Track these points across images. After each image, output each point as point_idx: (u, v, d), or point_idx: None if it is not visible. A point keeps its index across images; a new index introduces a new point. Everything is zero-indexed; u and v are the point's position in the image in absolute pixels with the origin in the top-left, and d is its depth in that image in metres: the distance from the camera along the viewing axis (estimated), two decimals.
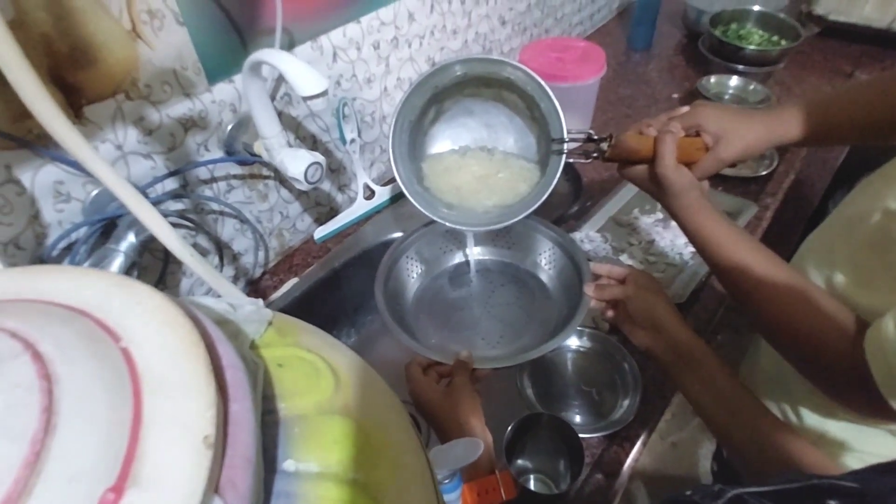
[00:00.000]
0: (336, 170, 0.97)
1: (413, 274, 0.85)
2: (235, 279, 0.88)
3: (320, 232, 0.95)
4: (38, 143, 0.56)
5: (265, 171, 0.84)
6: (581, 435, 0.63)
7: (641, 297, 0.63)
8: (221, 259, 0.82)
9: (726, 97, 1.25)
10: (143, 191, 0.66)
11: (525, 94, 0.67)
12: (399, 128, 0.68)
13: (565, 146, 0.65)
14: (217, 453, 0.17)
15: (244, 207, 0.83)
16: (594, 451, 0.68)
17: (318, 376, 0.25)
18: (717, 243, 0.58)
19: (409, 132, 0.70)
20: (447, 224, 0.71)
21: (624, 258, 0.92)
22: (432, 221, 0.72)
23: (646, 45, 1.48)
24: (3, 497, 0.14)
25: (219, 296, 0.40)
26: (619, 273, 0.68)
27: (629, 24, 1.49)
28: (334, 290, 0.92)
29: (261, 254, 0.89)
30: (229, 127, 0.75)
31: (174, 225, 0.72)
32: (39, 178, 0.58)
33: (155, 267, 0.74)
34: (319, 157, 0.72)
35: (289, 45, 0.78)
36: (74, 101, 0.58)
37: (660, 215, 0.98)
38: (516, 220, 0.69)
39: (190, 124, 0.70)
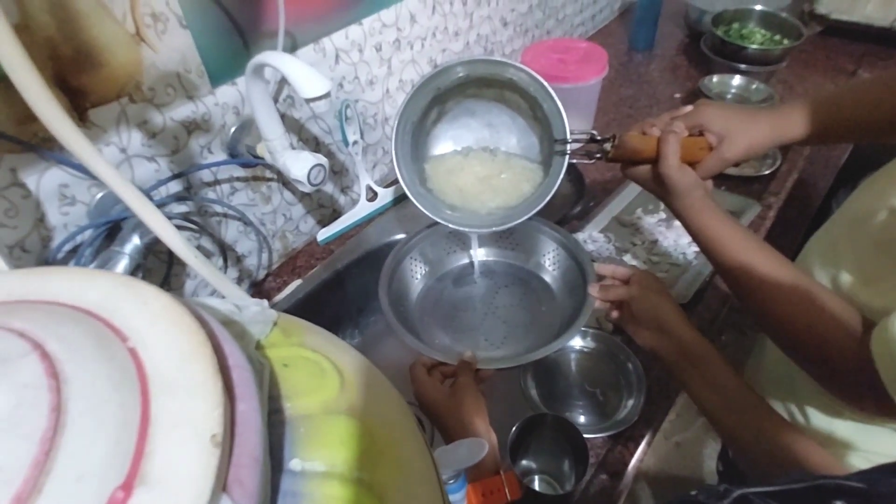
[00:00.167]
0: (339, 172, 0.97)
1: (417, 275, 0.85)
2: (239, 281, 0.88)
3: (323, 234, 0.95)
4: (43, 147, 0.57)
5: (268, 174, 0.84)
6: (585, 435, 0.63)
7: (646, 297, 0.63)
8: (225, 261, 0.83)
9: (729, 97, 1.25)
10: (147, 193, 0.66)
11: (527, 94, 0.67)
12: (401, 129, 0.68)
13: (568, 147, 0.65)
14: (224, 452, 0.17)
15: (247, 210, 0.83)
16: (598, 451, 0.68)
17: (323, 376, 0.25)
18: (721, 243, 0.58)
19: (411, 133, 0.70)
20: (451, 226, 0.71)
21: (627, 258, 0.91)
22: (436, 222, 0.72)
23: (648, 46, 1.48)
24: (13, 495, 0.14)
25: (223, 297, 0.41)
26: (624, 274, 0.68)
27: (631, 24, 1.49)
28: (338, 291, 0.92)
29: (264, 256, 0.89)
30: (232, 129, 0.75)
31: (178, 227, 0.72)
32: (44, 181, 0.58)
33: (159, 269, 0.74)
34: (322, 159, 0.72)
35: (291, 48, 0.78)
36: (79, 104, 0.58)
37: (663, 215, 0.98)
38: (520, 221, 0.69)
39: (193, 127, 0.70)
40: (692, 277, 0.86)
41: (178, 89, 0.67)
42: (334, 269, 0.91)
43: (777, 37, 1.34)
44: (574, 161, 0.66)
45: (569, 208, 0.97)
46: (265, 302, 0.28)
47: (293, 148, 0.74)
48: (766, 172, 1.03)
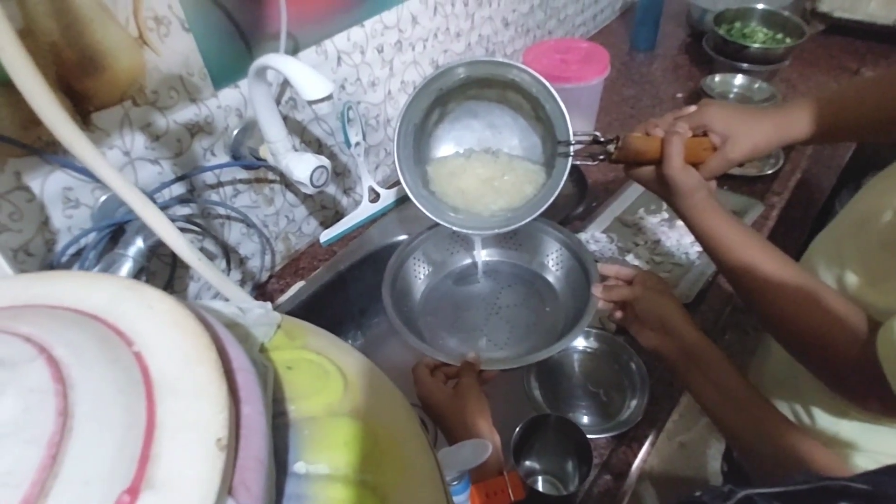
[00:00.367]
0: (341, 173, 0.97)
1: (420, 275, 0.85)
2: (242, 283, 0.88)
3: (326, 235, 0.95)
4: (47, 150, 0.57)
5: (271, 176, 0.84)
6: (589, 436, 0.63)
7: (649, 297, 0.63)
8: (228, 263, 0.83)
9: (731, 96, 1.25)
10: (150, 196, 0.67)
11: (530, 95, 0.67)
12: (403, 132, 0.68)
13: (571, 148, 0.65)
14: (230, 455, 0.17)
15: (250, 211, 0.83)
16: (602, 451, 0.68)
17: (326, 378, 0.25)
18: (725, 244, 0.57)
19: (413, 135, 0.70)
20: (454, 228, 0.71)
21: (630, 258, 0.91)
22: (438, 223, 0.72)
23: (649, 45, 1.48)
24: (21, 499, 0.14)
25: (227, 300, 0.41)
26: (627, 274, 0.68)
27: (632, 24, 1.49)
28: (340, 292, 0.93)
29: (267, 257, 0.89)
30: (235, 132, 0.75)
31: (181, 230, 0.72)
32: (48, 184, 0.59)
33: (163, 271, 0.74)
34: (325, 161, 0.72)
35: (293, 50, 0.78)
36: (82, 107, 0.58)
37: (665, 215, 0.98)
38: (523, 223, 0.69)
39: (196, 129, 0.71)
40: (695, 277, 0.86)
41: (180, 92, 0.67)
42: (337, 270, 0.91)
43: (779, 35, 1.34)
44: (577, 163, 0.66)
45: (571, 209, 0.97)
46: (269, 304, 0.28)
47: (296, 150, 0.74)
48: (769, 172, 1.03)
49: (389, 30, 0.91)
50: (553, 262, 0.84)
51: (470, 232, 0.72)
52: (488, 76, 0.67)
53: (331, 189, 0.97)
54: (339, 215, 0.99)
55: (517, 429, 0.63)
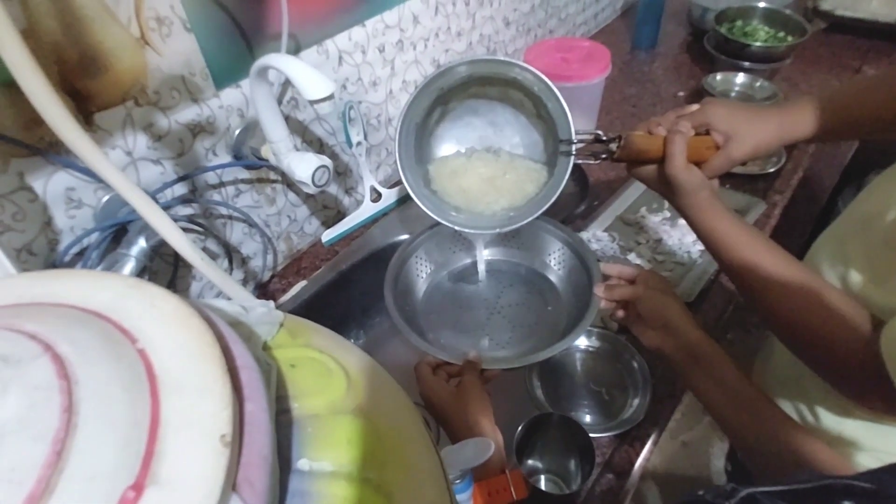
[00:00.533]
0: (343, 173, 0.97)
1: (422, 274, 0.85)
2: (244, 283, 0.88)
3: (328, 235, 0.95)
4: (50, 151, 0.57)
5: (273, 175, 0.84)
6: (591, 435, 0.63)
7: (652, 297, 0.63)
8: (231, 263, 0.83)
9: (732, 94, 1.25)
10: (153, 196, 0.67)
11: (531, 93, 0.67)
12: (405, 131, 0.68)
13: (573, 147, 0.65)
14: (234, 452, 0.17)
15: (252, 211, 0.83)
16: (604, 450, 0.68)
17: (329, 376, 0.25)
18: (728, 243, 0.57)
19: (414, 134, 0.71)
20: (456, 228, 0.71)
21: (632, 257, 0.91)
22: (440, 223, 0.72)
23: (651, 44, 1.48)
24: (26, 495, 0.14)
25: (229, 299, 0.41)
26: (630, 274, 0.68)
27: (634, 22, 1.49)
28: (342, 292, 0.93)
29: (269, 257, 0.89)
30: (237, 132, 0.75)
31: (184, 230, 0.73)
32: (51, 184, 0.59)
33: (165, 271, 0.74)
34: (326, 161, 0.72)
35: (295, 50, 0.78)
36: (85, 108, 0.58)
37: (667, 214, 0.98)
38: (525, 222, 0.69)
39: (198, 129, 0.71)
40: (697, 276, 0.86)
41: (182, 92, 0.67)
42: (339, 269, 0.91)
43: (781, 34, 1.34)
44: (579, 161, 0.66)
45: (573, 207, 0.97)
46: (271, 303, 0.28)
47: (297, 150, 0.74)
48: (771, 170, 1.02)
49: (391, 29, 0.91)
50: (555, 262, 0.84)
51: (472, 231, 0.72)
52: (490, 74, 0.67)
53: (332, 189, 0.98)
54: (340, 215, 0.99)
55: (519, 427, 0.63)
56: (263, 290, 0.90)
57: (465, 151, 0.76)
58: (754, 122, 0.61)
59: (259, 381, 0.21)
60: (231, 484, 0.17)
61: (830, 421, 0.63)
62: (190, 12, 0.63)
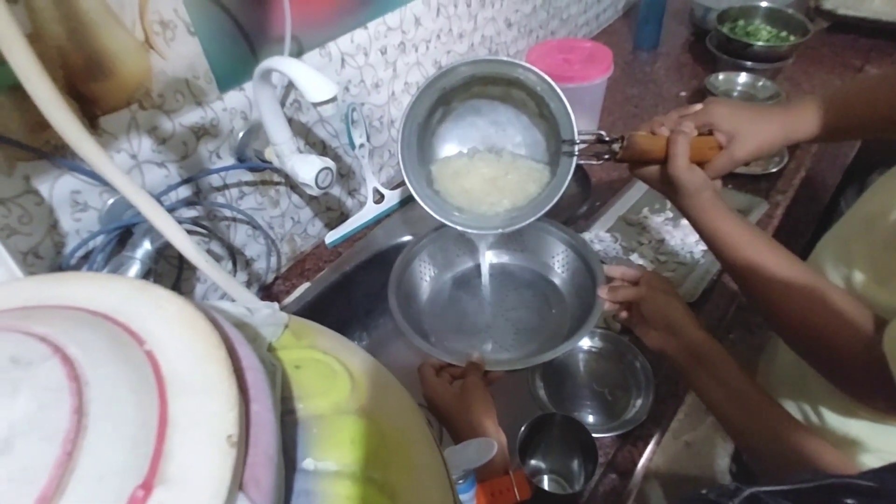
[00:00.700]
0: (346, 174, 0.98)
1: (426, 277, 0.86)
2: (248, 284, 0.89)
3: (331, 236, 0.96)
4: (56, 154, 0.57)
5: (276, 178, 0.85)
6: (594, 435, 0.63)
7: (655, 298, 0.63)
8: (235, 265, 0.83)
9: (734, 94, 1.24)
10: (157, 199, 0.67)
11: (534, 93, 0.67)
12: (407, 132, 0.69)
13: (576, 148, 0.65)
14: (240, 452, 0.17)
15: (256, 213, 0.84)
16: (607, 450, 0.68)
17: (334, 377, 0.25)
18: (731, 243, 0.57)
19: (416, 135, 0.71)
20: (458, 228, 0.72)
21: (634, 258, 0.91)
22: (444, 224, 0.72)
23: (653, 44, 1.48)
24: (39, 494, 0.14)
25: (234, 300, 0.41)
26: (633, 275, 0.68)
27: (635, 23, 1.49)
28: (346, 293, 0.93)
29: (273, 259, 0.89)
30: (240, 134, 0.76)
31: (188, 232, 0.73)
32: (57, 188, 0.59)
33: (170, 273, 0.75)
34: (329, 163, 0.73)
35: (297, 53, 0.79)
36: (90, 111, 0.59)
37: (669, 214, 0.98)
38: (527, 222, 0.69)
39: (202, 132, 0.71)
40: (700, 276, 0.86)
41: (186, 95, 0.67)
42: (342, 271, 0.91)
43: (783, 33, 1.34)
44: (582, 162, 0.66)
45: (575, 208, 0.98)
46: (276, 305, 0.28)
47: (300, 152, 0.74)
48: (774, 170, 1.02)
49: (393, 31, 0.92)
50: (559, 264, 0.85)
51: (475, 231, 0.72)
52: (493, 74, 0.68)
53: (335, 190, 0.98)
54: (343, 216, 1.00)
55: (523, 428, 0.63)
56: (267, 292, 0.90)
57: (467, 152, 0.76)
58: (757, 122, 0.61)
59: (264, 382, 0.21)
60: (238, 483, 0.17)
61: (835, 421, 0.63)
62: (194, 16, 0.64)
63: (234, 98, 0.73)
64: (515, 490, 0.56)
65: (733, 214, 0.59)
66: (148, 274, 0.63)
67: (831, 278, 0.59)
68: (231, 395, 0.18)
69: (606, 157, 0.63)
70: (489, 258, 0.87)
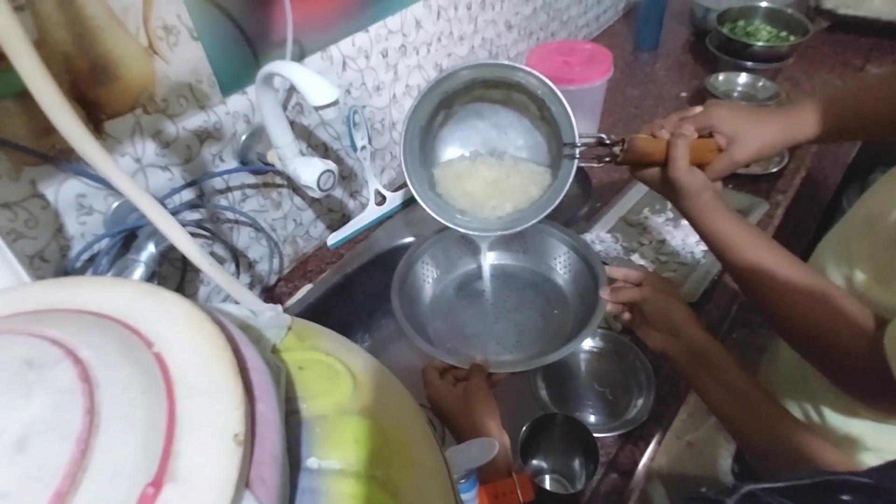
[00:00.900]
0: (347, 177, 0.98)
1: (429, 279, 0.86)
2: (251, 286, 0.89)
3: (333, 238, 0.96)
4: (61, 158, 0.58)
5: (278, 180, 0.85)
6: (595, 435, 0.63)
7: (657, 299, 0.63)
8: (238, 267, 0.84)
9: (735, 94, 1.25)
10: (161, 202, 0.68)
11: (535, 96, 0.68)
12: (409, 136, 0.69)
13: (577, 151, 0.65)
14: (246, 451, 0.18)
15: (259, 216, 0.84)
16: (609, 450, 0.68)
17: (336, 378, 0.26)
18: (731, 244, 0.58)
19: (419, 138, 0.71)
20: (461, 230, 0.72)
21: (635, 258, 0.92)
22: (446, 227, 0.73)
23: (653, 45, 1.48)
24: (54, 491, 0.15)
25: (237, 302, 0.42)
26: (636, 277, 0.68)
27: (636, 24, 1.50)
28: (348, 295, 0.93)
29: (275, 261, 0.90)
30: (243, 137, 0.76)
31: (192, 234, 0.74)
32: (63, 191, 0.60)
33: (174, 276, 0.75)
34: (331, 165, 0.73)
35: (299, 56, 0.79)
36: (95, 116, 0.59)
37: (670, 214, 0.98)
38: (529, 224, 0.70)
39: (205, 136, 0.72)
40: (701, 276, 0.86)
41: (190, 100, 0.68)
42: (344, 273, 0.92)
43: (783, 33, 1.34)
44: (583, 164, 0.66)
45: (576, 209, 0.98)
46: (279, 307, 0.29)
47: (303, 154, 0.75)
48: (774, 170, 1.03)
49: (393, 34, 0.92)
50: (561, 265, 0.85)
51: (477, 234, 0.73)
52: (494, 78, 0.68)
53: (337, 192, 0.99)
54: (345, 218, 1.00)
55: (524, 428, 0.63)
56: (270, 294, 0.91)
57: (469, 155, 0.76)
58: (757, 124, 0.61)
59: (269, 382, 0.21)
60: (244, 481, 0.17)
61: (837, 421, 0.63)
62: (197, 21, 0.64)
63: (236, 102, 0.74)
64: (518, 492, 0.56)
65: (734, 216, 0.59)
66: (152, 277, 0.64)
67: (833, 278, 0.59)
68: (237, 395, 0.19)
69: (607, 159, 0.63)
70: (491, 259, 0.88)
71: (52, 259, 0.62)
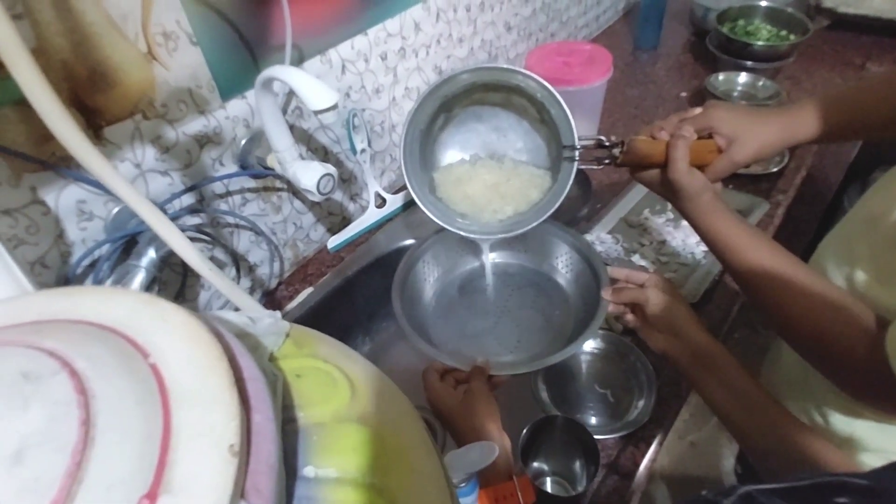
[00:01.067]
0: (347, 180, 0.98)
1: (430, 279, 0.86)
2: (252, 290, 0.89)
3: (333, 241, 0.96)
4: (61, 165, 0.58)
5: (278, 184, 0.86)
6: (596, 436, 0.63)
7: (660, 300, 0.63)
8: (238, 271, 0.84)
9: (735, 94, 1.25)
10: (161, 207, 0.68)
11: (534, 99, 0.68)
12: (410, 139, 0.69)
13: (577, 153, 0.65)
14: (242, 461, 0.18)
15: (259, 220, 0.84)
16: (610, 452, 0.68)
17: (334, 386, 0.26)
18: (731, 245, 0.57)
19: (419, 141, 0.71)
20: (462, 233, 0.72)
21: (636, 259, 0.92)
22: (446, 228, 0.73)
23: (653, 45, 1.48)
24: (50, 502, 0.15)
25: (237, 308, 0.42)
26: (638, 278, 0.68)
27: (636, 24, 1.49)
28: (348, 297, 0.94)
29: (276, 265, 0.90)
30: (243, 142, 0.76)
31: (192, 239, 0.74)
32: (63, 198, 0.60)
33: (174, 281, 0.76)
34: (331, 168, 0.73)
35: (298, 60, 0.79)
36: (94, 122, 0.60)
37: (671, 215, 0.98)
38: (529, 227, 0.70)
39: (205, 140, 0.72)
40: (701, 276, 0.86)
41: (189, 105, 0.68)
42: (345, 275, 0.92)
43: (783, 32, 1.34)
44: (582, 167, 0.66)
45: (576, 210, 0.98)
46: (278, 314, 0.29)
47: (302, 158, 0.75)
48: (775, 170, 1.02)
49: (392, 37, 0.92)
50: (563, 265, 0.85)
51: (478, 237, 0.73)
52: (493, 81, 0.68)
53: (337, 196, 0.99)
54: (346, 221, 1.00)
55: (525, 430, 0.63)
56: (270, 298, 0.91)
57: (469, 158, 0.76)
58: (757, 124, 0.61)
59: (265, 392, 0.21)
60: (240, 491, 0.18)
61: (839, 422, 0.63)
62: (195, 26, 0.65)
63: (236, 106, 0.74)
64: (519, 495, 0.56)
65: (734, 217, 0.59)
66: (153, 282, 0.64)
67: (833, 278, 0.59)
68: (232, 405, 0.19)
69: (607, 161, 0.63)
70: (493, 260, 0.88)
71: (53, 265, 0.62)
